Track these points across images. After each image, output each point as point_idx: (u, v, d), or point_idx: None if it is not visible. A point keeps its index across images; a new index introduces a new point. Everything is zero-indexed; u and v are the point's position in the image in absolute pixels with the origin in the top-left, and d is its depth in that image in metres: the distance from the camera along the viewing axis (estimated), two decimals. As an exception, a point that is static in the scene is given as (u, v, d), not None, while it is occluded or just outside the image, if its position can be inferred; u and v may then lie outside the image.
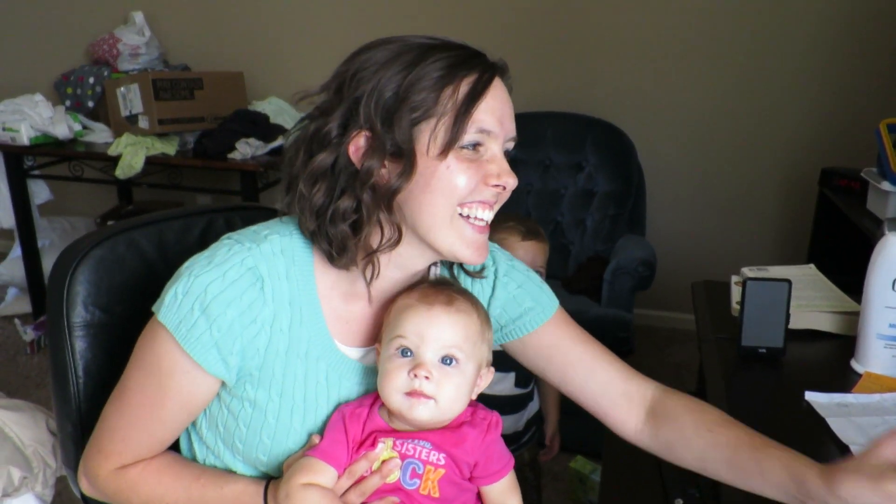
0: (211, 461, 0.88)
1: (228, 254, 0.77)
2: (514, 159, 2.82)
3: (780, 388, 1.08)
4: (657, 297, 2.90)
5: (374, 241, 0.78)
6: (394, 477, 0.77)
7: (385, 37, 0.79)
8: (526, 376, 1.60)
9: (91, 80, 3.12)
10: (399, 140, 0.74)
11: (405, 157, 0.74)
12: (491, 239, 1.55)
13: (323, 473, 0.76)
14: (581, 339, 0.94)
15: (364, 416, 0.80)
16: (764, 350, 1.14)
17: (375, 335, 0.86)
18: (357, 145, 0.75)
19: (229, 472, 0.86)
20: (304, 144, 0.78)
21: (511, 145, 0.80)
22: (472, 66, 0.76)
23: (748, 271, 1.32)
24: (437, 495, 0.77)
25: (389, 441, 0.77)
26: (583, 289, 2.30)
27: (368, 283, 0.81)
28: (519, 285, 0.93)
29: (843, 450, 0.89)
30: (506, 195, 0.79)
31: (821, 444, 0.91)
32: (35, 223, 3.02)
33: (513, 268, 0.94)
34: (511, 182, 0.77)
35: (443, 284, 0.84)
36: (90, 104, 3.12)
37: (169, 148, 2.72)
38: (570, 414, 1.76)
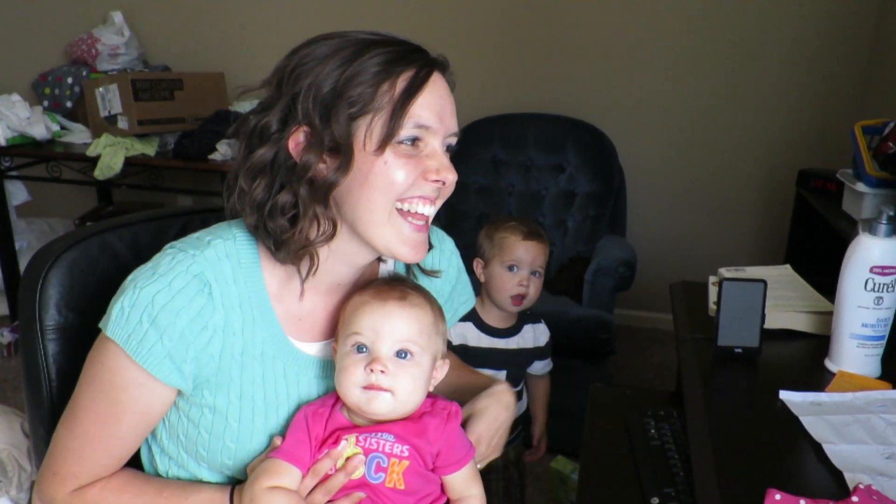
0: (174, 472, 0.87)
1: (172, 263, 0.77)
2: (496, 160, 2.81)
3: (755, 387, 1.09)
4: (638, 298, 2.93)
5: (312, 235, 0.78)
6: (359, 473, 0.77)
7: (326, 32, 0.79)
8: (517, 375, 1.61)
9: (69, 80, 3.09)
10: (337, 135, 0.74)
11: (343, 152, 0.74)
12: (491, 238, 1.57)
13: (287, 475, 0.76)
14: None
15: (326, 416, 0.80)
16: (740, 350, 1.15)
17: (330, 329, 0.86)
18: (296, 140, 0.76)
19: (193, 481, 0.85)
20: (244, 140, 0.78)
21: (453, 140, 0.80)
22: (411, 62, 0.76)
23: (725, 272, 1.34)
24: (402, 487, 0.77)
25: (352, 437, 0.78)
26: (564, 290, 2.31)
27: (304, 279, 0.81)
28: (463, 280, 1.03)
29: (817, 448, 0.90)
30: (447, 191, 0.80)
31: (794, 443, 0.92)
32: (12, 225, 2.98)
33: (460, 268, 1.03)
34: (450, 177, 0.77)
35: (396, 280, 0.85)
36: (68, 104, 3.09)
37: (149, 149, 2.70)
38: (552, 415, 1.77)
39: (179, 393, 0.80)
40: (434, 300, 0.85)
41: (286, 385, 0.83)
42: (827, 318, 1.18)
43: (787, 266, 1.43)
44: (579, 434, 1.51)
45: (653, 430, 1.09)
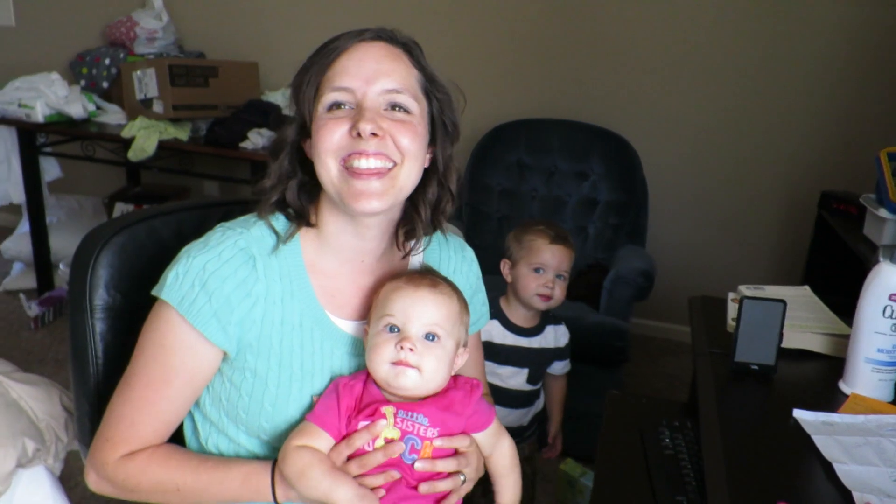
0: (214, 439, 0.93)
1: (222, 237, 0.86)
2: (521, 164, 2.82)
3: (769, 403, 1.12)
4: (653, 308, 2.95)
5: (299, 195, 0.90)
6: (396, 452, 0.83)
7: None
8: (537, 374, 1.65)
9: (107, 61, 3.15)
10: (299, 110, 0.87)
11: (300, 121, 0.88)
12: (520, 240, 1.62)
13: (316, 437, 0.82)
14: (473, 366, 1.05)
15: (359, 389, 0.86)
16: (756, 367, 1.18)
17: (362, 310, 0.93)
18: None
19: (234, 458, 0.91)
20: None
21: (396, 97, 0.85)
22: (338, 41, 0.86)
23: (745, 290, 1.37)
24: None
25: (390, 410, 0.83)
26: (582, 295, 2.34)
27: (291, 233, 0.90)
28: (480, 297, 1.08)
29: (827, 466, 0.93)
30: (401, 141, 0.84)
31: (805, 461, 0.95)
32: (44, 200, 3.05)
33: (478, 279, 1.07)
34: (368, 127, 0.82)
35: (427, 271, 0.92)
36: (104, 85, 3.15)
37: (181, 133, 2.76)
38: (565, 417, 1.81)
39: (224, 358, 0.87)
40: (460, 292, 0.92)
41: (322, 356, 0.89)
42: (843, 340, 1.21)
43: (807, 287, 1.46)
44: (590, 438, 1.56)
45: (667, 440, 1.12)
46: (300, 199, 0.90)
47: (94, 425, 1.04)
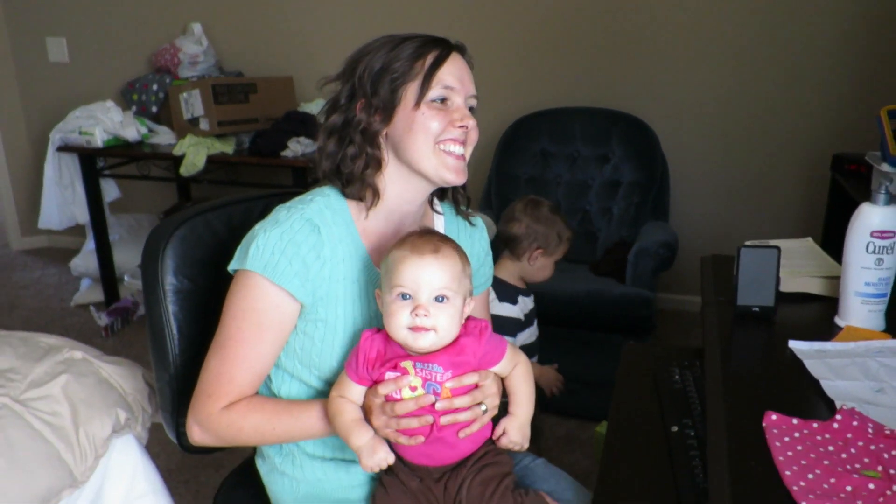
0: (287, 385, 1.09)
1: (288, 214, 1.02)
2: (544, 152, 2.99)
3: (768, 339, 1.23)
4: (682, 282, 3.04)
5: (366, 170, 1.04)
6: (427, 402, 0.94)
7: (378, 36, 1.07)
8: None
9: (155, 86, 3.40)
10: (383, 98, 1.01)
11: (386, 110, 1.01)
12: (560, 237, 1.70)
13: (348, 387, 0.98)
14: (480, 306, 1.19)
15: (381, 342, 0.98)
16: (757, 309, 1.28)
17: None
18: (360, 108, 1.03)
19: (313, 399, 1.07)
20: (325, 114, 1.07)
21: (473, 102, 1.07)
22: (436, 45, 1.03)
23: (749, 244, 1.48)
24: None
25: (409, 364, 0.95)
26: (609, 271, 2.46)
27: (369, 206, 1.05)
28: (489, 267, 1.24)
29: (815, 384, 1.04)
30: (472, 136, 1.06)
31: (796, 381, 1.06)
32: (106, 219, 3.30)
33: (489, 254, 1.24)
34: (470, 123, 1.04)
35: (427, 233, 1.01)
36: (154, 109, 3.40)
37: (227, 147, 2.97)
38: (597, 385, 1.94)
39: (300, 312, 1.03)
40: (461, 249, 1.01)
41: (377, 304, 1.04)
42: (838, 281, 1.31)
43: (809, 239, 1.56)
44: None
45: (677, 377, 1.25)
46: (364, 173, 1.04)
47: (174, 393, 1.22)
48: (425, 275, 0.94)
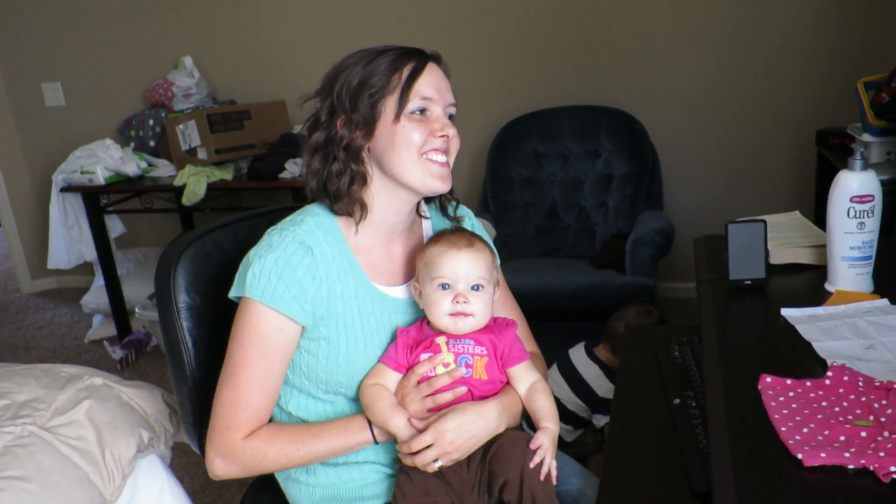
0: (295, 400, 1.13)
1: (281, 237, 1.05)
2: (536, 153, 3.03)
3: (761, 309, 1.27)
4: (682, 268, 3.08)
5: (353, 186, 1.06)
6: (460, 374, 1.03)
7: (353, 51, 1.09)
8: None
9: (151, 121, 3.46)
10: (363, 114, 1.02)
11: (367, 125, 1.03)
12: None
13: (385, 375, 1.03)
14: (503, 300, 1.20)
15: (414, 331, 1.07)
16: (749, 282, 1.32)
17: (395, 275, 1.12)
18: (341, 124, 1.04)
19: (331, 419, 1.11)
20: (307, 131, 1.09)
21: (453, 110, 1.08)
22: (412, 56, 1.04)
23: (736, 221, 1.52)
24: (485, 377, 1.05)
25: (443, 339, 1.04)
26: (608, 263, 2.50)
27: (358, 221, 1.07)
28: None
29: (808, 346, 1.08)
30: (454, 144, 1.07)
31: (789, 345, 1.10)
32: (113, 255, 3.36)
33: (480, 227, 1.24)
34: (451, 132, 1.05)
35: (459, 230, 1.11)
36: (152, 143, 3.46)
37: (226, 174, 3.03)
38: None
39: (302, 332, 1.06)
40: (488, 243, 1.12)
41: (375, 317, 1.09)
42: (825, 249, 1.35)
43: (796, 212, 1.61)
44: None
45: (677, 353, 1.29)
46: (350, 189, 1.06)
47: (194, 406, 1.26)
48: (463, 266, 1.04)
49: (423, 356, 1.04)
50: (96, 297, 3.45)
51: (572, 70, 3.14)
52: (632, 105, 2.91)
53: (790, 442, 0.85)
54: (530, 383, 1.07)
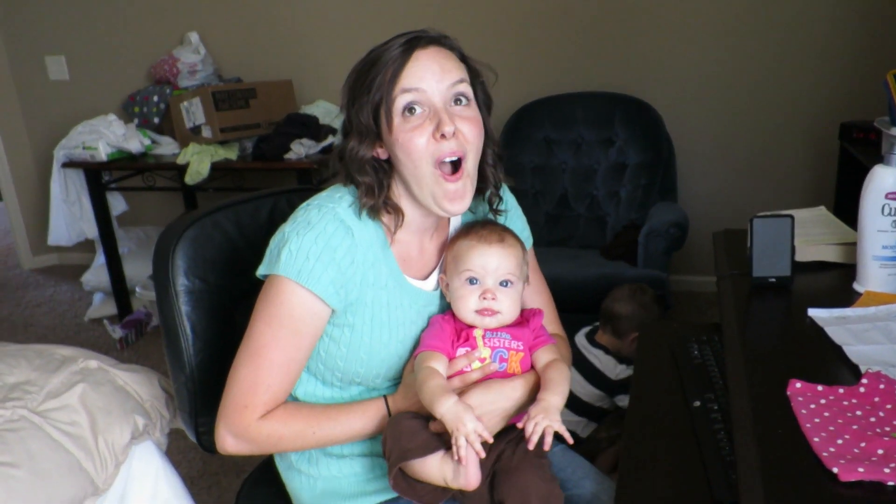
0: (304, 384, 1.08)
1: (320, 214, 0.98)
2: (548, 140, 2.95)
3: (787, 308, 1.21)
4: (695, 263, 3.02)
5: (369, 195, 0.99)
6: (493, 370, 1.00)
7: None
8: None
9: (155, 98, 3.40)
10: (367, 130, 0.97)
11: (376, 139, 0.97)
12: None
13: (435, 359, 0.98)
14: (534, 284, 1.14)
15: (452, 321, 1.04)
16: (773, 279, 1.27)
17: (425, 269, 1.07)
18: (355, 139, 0.98)
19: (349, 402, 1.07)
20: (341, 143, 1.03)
21: (462, 88, 0.96)
22: (391, 55, 0.95)
23: (761, 215, 1.46)
24: (519, 372, 1.02)
25: (479, 332, 1.01)
26: (620, 255, 2.45)
27: (395, 228, 1.02)
28: (519, 219, 1.18)
29: (837, 351, 1.03)
30: (470, 135, 0.96)
31: (818, 348, 1.05)
32: (115, 233, 3.31)
33: (516, 206, 1.18)
34: (450, 128, 0.93)
35: (489, 223, 1.06)
36: (156, 120, 3.40)
37: (230, 154, 2.97)
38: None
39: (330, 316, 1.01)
40: (518, 238, 1.07)
41: (403, 311, 1.04)
42: (854, 247, 1.29)
43: (822, 207, 1.54)
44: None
45: (696, 352, 1.23)
46: (379, 200, 0.99)
47: (191, 394, 1.22)
48: (492, 261, 1.01)
49: (461, 351, 1.01)
50: (97, 275, 3.41)
51: (587, 55, 3.06)
52: (648, 92, 2.84)
53: (824, 454, 0.80)
54: (549, 359, 1.03)
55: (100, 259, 3.40)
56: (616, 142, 2.79)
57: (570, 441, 0.94)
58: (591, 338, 2.06)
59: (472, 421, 0.89)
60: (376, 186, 0.99)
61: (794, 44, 2.80)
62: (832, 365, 1.00)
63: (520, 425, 0.94)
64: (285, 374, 1.00)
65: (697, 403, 1.08)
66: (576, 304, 2.21)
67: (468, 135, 0.96)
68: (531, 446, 0.90)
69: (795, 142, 2.89)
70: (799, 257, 1.32)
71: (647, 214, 2.58)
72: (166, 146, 3.24)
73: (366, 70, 0.96)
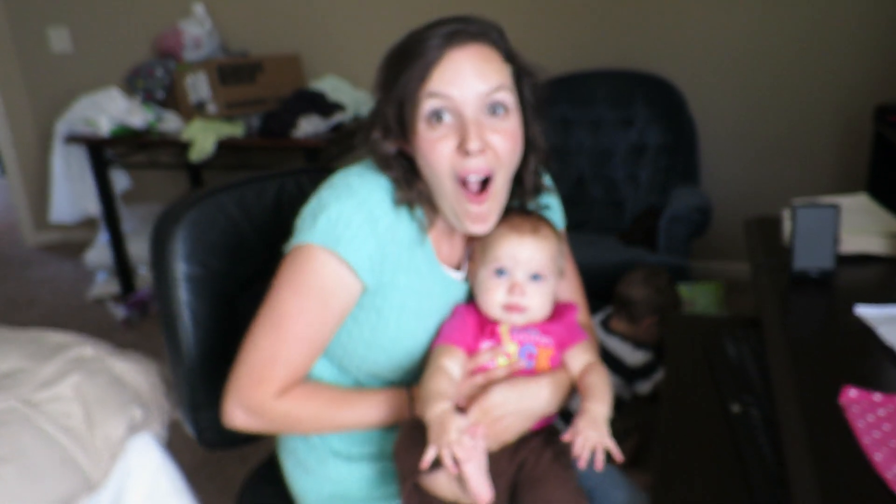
0: (327, 372, 1.01)
1: (362, 181, 0.90)
2: (564, 119, 2.84)
3: (831, 304, 1.13)
4: (717, 248, 2.93)
5: (406, 189, 0.92)
6: (519, 367, 0.92)
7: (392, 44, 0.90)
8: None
9: (159, 72, 3.29)
10: (395, 130, 0.88)
11: (404, 140, 0.89)
12: None
13: (451, 355, 0.90)
14: (566, 270, 1.05)
15: (477, 313, 0.95)
16: (815, 272, 1.19)
17: (457, 260, 0.99)
18: (382, 135, 0.91)
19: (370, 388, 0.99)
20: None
21: (501, 96, 0.86)
22: (425, 46, 0.84)
23: (798, 201, 1.37)
24: (549, 370, 0.94)
25: (505, 327, 0.93)
26: (639, 240, 2.36)
27: (430, 222, 0.94)
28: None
29: (891, 354, 0.94)
30: (502, 150, 0.87)
31: (870, 351, 0.97)
32: (118, 210, 3.23)
33: (552, 187, 1.07)
34: (476, 144, 0.83)
35: (526, 212, 0.96)
36: (160, 95, 3.30)
37: (236, 130, 2.88)
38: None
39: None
40: (556, 229, 0.98)
41: (432, 299, 0.96)
42: (903, 239, 1.20)
43: (864, 195, 1.44)
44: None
45: (731, 349, 1.15)
46: (409, 188, 0.92)
47: (191, 388, 1.15)
48: (524, 253, 0.92)
49: (485, 345, 0.93)
50: (100, 253, 3.35)
51: (606, 30, 2.94)
52: (670, 71, 2.72)
53: (888, 475, 0.72)
54: (586, 362, 0.94)
55: (103, 237, 3.33)
56: (636, 122, 2.68)
57: (621, 459, 0.85)
58: (605, 325, 1.98)
59: (457, 431, 0.79)
60: (404, 182, 0.91)
61: (829, 18, 2.65)
62: (888, 370, 0.92)
63: (565, 438, 0.84)
64: (308, 350, 0.91)
65: (737, 409, 0.99)
66: (593, 292, 2.11)
67: (500, 150, 0.87)
68: (582, 464, 0.82)
69: (825, 124, 2.77)
70: (842, 248, 1.23)
71: (667, 199, 2.48)
72: (170, 122, 3.14)
73: (396, 59, 0.87)
